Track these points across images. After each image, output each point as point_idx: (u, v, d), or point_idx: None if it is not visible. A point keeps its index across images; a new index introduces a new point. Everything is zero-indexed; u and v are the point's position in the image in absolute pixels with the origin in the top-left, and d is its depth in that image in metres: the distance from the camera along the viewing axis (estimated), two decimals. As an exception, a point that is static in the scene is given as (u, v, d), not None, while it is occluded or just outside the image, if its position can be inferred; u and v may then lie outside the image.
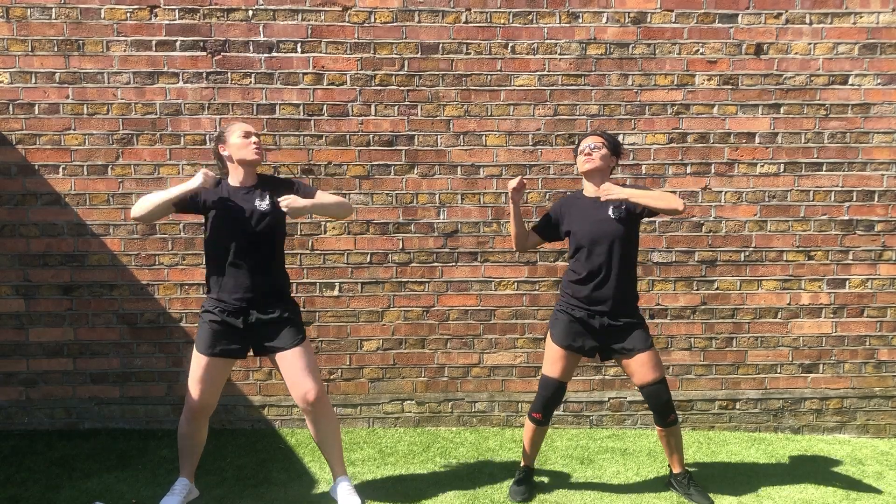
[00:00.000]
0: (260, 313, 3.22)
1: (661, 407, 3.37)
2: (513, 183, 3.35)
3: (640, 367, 3.35)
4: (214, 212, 3.22)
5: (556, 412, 4.43)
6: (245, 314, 3.22)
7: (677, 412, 4.35)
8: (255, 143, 3.22)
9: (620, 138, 4.28)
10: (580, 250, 3.40)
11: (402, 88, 4.26)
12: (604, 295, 3.34)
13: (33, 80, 4.15)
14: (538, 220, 3.57)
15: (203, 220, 3.28)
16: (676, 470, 3.54)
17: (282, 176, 3.42)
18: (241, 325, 3.21)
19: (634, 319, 3.38)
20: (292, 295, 3.46)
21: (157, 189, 4.19)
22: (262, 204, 3.21)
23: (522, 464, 3.60)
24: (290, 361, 3.23)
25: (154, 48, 4.17)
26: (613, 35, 4.27)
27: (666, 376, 3.42)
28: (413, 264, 4.36)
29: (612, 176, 4.17)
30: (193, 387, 3.21)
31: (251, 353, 3.33)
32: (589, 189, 3.43)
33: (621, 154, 3.49)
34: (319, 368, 3.30)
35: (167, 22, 4.16)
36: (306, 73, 4.23)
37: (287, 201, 3.13)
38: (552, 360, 3.43)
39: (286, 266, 3.40)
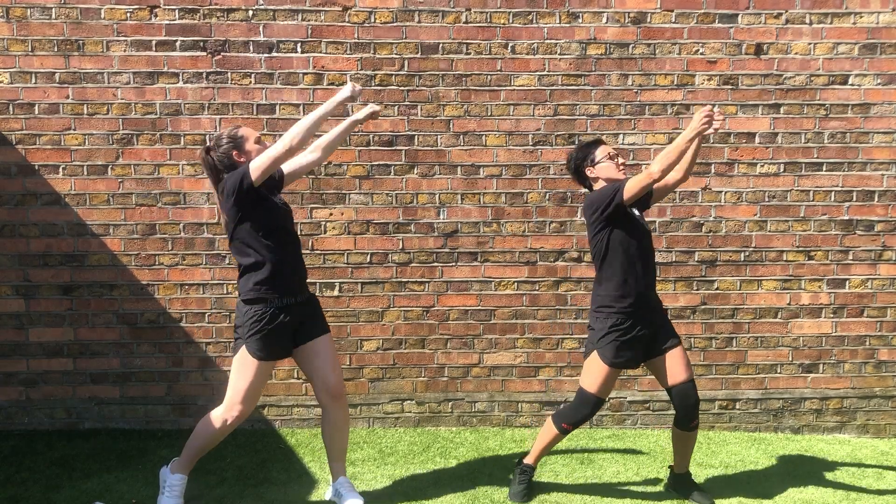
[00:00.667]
0: (299, 298, 3.25)
1: (693, 408, 3.29)
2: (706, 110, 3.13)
3: (672, 363, 3.29)
4: (267, 201, 3.19)
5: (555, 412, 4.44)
6: (294, 297, 3.21)
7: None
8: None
9: (620, 138, 4.29)
10: (629, 255, 3.32)
11: (402, 88, 4.26)
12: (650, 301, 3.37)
13: (33, 80, 4.14)
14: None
15: (240, 211, 3.12)
16: (680, 471, 3.53)
17: None
18: (290, 311, 3.19)
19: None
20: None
21: (157, 189, 4.21)
22: (281, 200, 3.31)
23: (527, 461, 3.54)
24: (324, 349, 3.28)
25: (154, 48, 4.17)
26: (613, 35, 4.27)
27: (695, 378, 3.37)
28: (413, 264, 4.36)
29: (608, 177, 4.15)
30: (251, 396, 3.21)
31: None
32: None
33: (588, 164, 3.37)
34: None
35: (167, 22, 4.15)
36: (306, 73, 4.23)
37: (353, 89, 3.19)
38: (605, 379, 3.32)
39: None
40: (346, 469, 3.44)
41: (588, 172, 3.38)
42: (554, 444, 3.52)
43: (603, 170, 3.34)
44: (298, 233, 4.28)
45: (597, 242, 3.29)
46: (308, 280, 4.27)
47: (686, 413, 3.30)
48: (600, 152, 3.35)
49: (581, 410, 3.37)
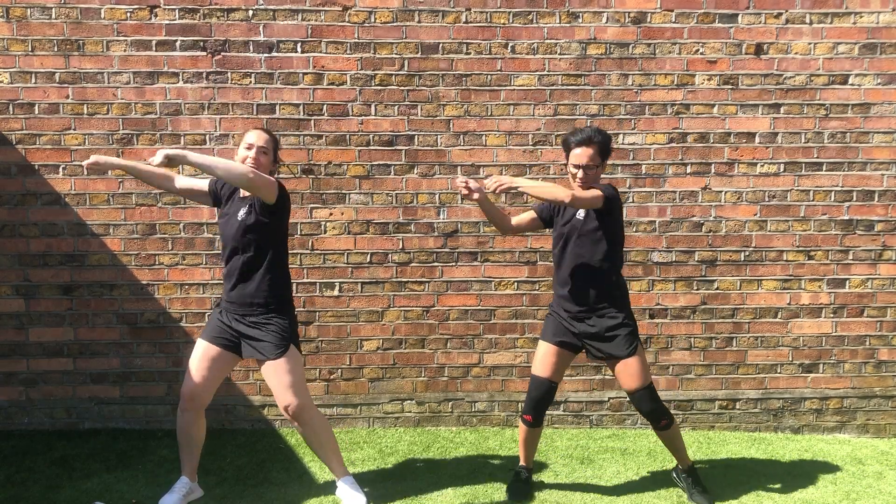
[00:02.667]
0: (240, 319, 3.25)
1: (648, 414, 3.40)
2: (461, 182, 3.27)
3: (620, 373, 3.39)
4: (222, 210, 3.35)
5: (556, 412, 4.44)
6: (229, 316, 3.28)
7: (677, 412, 4.37)
8: (251, 157, 3.21)
9: (620, 138, 4.29)
10: (555, 252, 3.48)
11: (402, 88, 4.26)
12: (569, 294, 3.38)
13: (33, 80, 4.14)
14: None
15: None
16: (681, 465, 3.55)
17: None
18: (228, 324, 3.27)
19: (616, 321, 3.34)
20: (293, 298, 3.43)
21: (157, 189, 4.21)
22: (249, 217, 3.22)
23: (520, 464, 3.64)
24: (268, 373, 3.24)
25: (154, 48, 4.17)
26: (613, 35, 4.27)
27: (651, 383, 3.38)
28: (413, 264, 4.36)
29: (611, 176, 4.19)
30: (187, 372, 3.28)
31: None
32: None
33: (611, 153, 3.44)
34: (299, 380, 3.25)
35: (167, 22, 4.15)
36: (306, 73, 4.23)
37: (170, 151, 2.97)
38: (541, 358, 3.47)
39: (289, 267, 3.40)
40: (345, 470, 3.42)
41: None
42: (529, 439, 3.60)
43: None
44: (299, 233, 4.31)
45: (619, 230, 3.42)
46: (308, 280, 4.31)
47: (647, 417, 3.43)
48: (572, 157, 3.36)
49: (529, 393, 3.49)
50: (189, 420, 3.29)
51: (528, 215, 3.56)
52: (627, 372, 3.35)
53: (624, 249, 3.59)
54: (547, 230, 3.62)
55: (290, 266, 3.44)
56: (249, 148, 3.23)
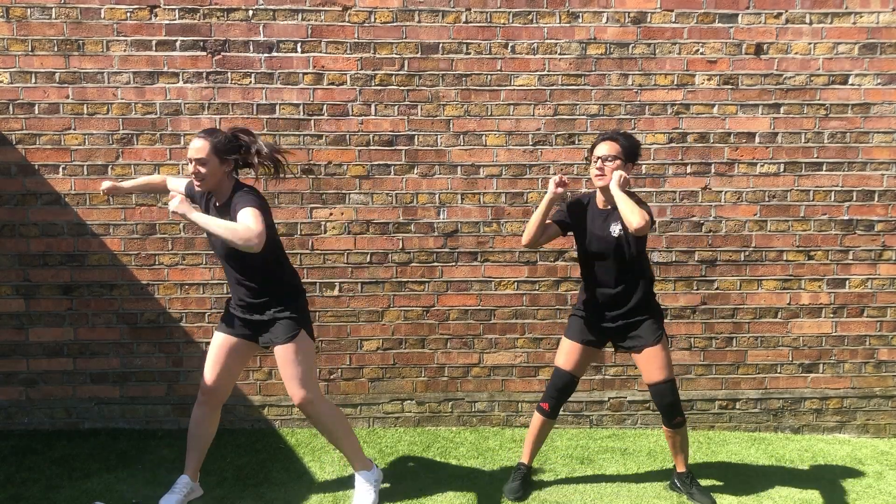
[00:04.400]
0: (250, 316, 3.27)
1: (666, 408, 3.40)
2: (556, 179, 3.29)
3: (646, 364, 3.39)
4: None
5: (556, 412, 4.44)
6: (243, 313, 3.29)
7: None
8: (192, 176, 3.11)
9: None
10: (586, 263, 3.47)
11: (402, 88, 4.26)
12: (612, 305, 3.42)
13: (33, 80, 4.14)
14: (556, 211, 3.52)
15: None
16: (680, 469, 3.55)
17: (247, 185, 3.19)
18: (240, 315, 3.30)
19: (646, 316, 3.41)
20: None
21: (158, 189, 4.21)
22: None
23: (521, 460, 3.65)
24: (280, 361, 3.25)
25: (154, 48, 4.17)
26: (613, 35, 4.27)
27: (675, 378, 3.44)
28: (413, 264, 4.36)
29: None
30: (205, 365, 3.31)
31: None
32: (600, 200, 3.42)
33: (639, 157, 3.43)
34: (307, 372, 3.24)
35: (167, 22, 4.15)
36: (306, 73, 4.23)
37: (174, 203, 2.89)
38: (565, 352, 3.51)
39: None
40: (365, 463, 3.42)
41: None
42: (541, 432, 3.64)
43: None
44: (299, 233, 4.31)
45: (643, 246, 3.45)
46: (308, 280, 4.31)
47: (664, 411, 3.43)
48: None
49: (551, 381, 3.54)
50: (203, 414, 3.31)
51: (553, 228, 3.49)
52: (655, 363, 3.38)
53: None
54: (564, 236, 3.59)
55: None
56: (189, 162, 3.10)
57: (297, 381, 3.21)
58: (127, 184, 3.46)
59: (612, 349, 3.61)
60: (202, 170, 3.07)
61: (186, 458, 3.36)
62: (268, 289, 3.21)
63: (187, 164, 3.20)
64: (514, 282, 4.39)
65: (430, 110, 4.28)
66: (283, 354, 3.20)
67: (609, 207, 3.36)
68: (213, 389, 3.27)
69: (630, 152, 3.34)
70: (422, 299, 4.38)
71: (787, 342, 4.45)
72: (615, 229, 3.33)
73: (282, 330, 3.20)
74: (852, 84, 4.32)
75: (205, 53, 4.19)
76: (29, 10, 4.10)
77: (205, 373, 3.29)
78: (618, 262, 3.36)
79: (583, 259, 3.50)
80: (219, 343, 3.29)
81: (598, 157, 3.30)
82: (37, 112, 4.16)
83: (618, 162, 3.28)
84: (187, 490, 3.32)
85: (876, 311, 4.44)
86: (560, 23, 4.25)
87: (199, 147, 3.06)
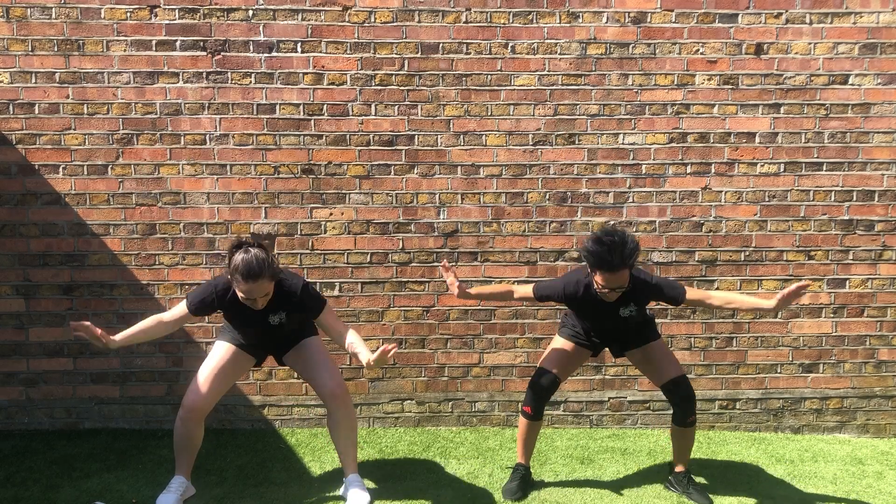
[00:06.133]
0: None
1: (688, 404, 3.39)
2: (454, 290, 3.39)
3: (659, 360, 3.41)
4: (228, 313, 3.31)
5: (556, 412, 4.44)
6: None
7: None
8: (255, 305, 3.13)
9: (620, 138, 4.29)
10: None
11: (402, 88, 4.26)
12: (607, 337, 3.52)
13: (33, 80, 4.14)
14: (546, 284, 3.48)
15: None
16: (679, 469, 3.55)
17: (287, 282, 3.26)
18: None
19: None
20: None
21: (157, 189, 4.21)
22: (275, 318, 3.26)
23: (518, 461, 3.65)
24: (310, 353, 3.36)
25: (154, 48, 4.17)
26: (613, 35, 4.27)
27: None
28: (413, 264, 4.36)
29: (612, 176, 4.19)
30: (195, 381, 3.31)
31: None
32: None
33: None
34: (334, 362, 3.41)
35: (167, 22, 4.15)
36: (306, 73, 4.23)
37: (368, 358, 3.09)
38: (555, 351, 3.53)
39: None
40: (355, 467, 3.45)
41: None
42: (529, 434, 3.64)
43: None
44: (299, 233, 4.30)
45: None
46: (308, 280, 4.29)
47: (683, 406, 3.42)
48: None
49: (531, 383, 3.56)
50: (190, 429, 3.31)
51: (528, 293, 3.43)
52: (669, 358, 3.43)
53: None
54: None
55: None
56: (247, 300, 3.10)
57: (335, 370, 3.35)
58: (126, 334, 3.17)
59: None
60: (266, 298, 3.13)
61: (177, 462, 3.37)
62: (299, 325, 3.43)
63: (245, 300, 3.11)
64: (515, 282, 4.39)
65: (430, 110, 4.28)
66: (317, 343, 3.35)
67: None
68: (202, 407, 3.27)
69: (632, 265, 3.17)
70: (422, 299, 4.38)
71: (788, 342, 4.45)
72: (625, 311, 3.32)
73: (308, 328, 3.40)
74: (852, 84, 4.32)
75: (205, 53, 4.19)
76: (29, 9, 4.10)
77: (201, 386, 3.25)
78: (624, 333, 3.47)
79: (586, 320, 3.51)
80: (228, 357, 3.32)
81: (614, 289, 3.14)
82: (37, 112, 4.16)
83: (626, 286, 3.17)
84: (183, 489, 3.33)
85: (876, 311, 4.44)
86: (560, 23, 4.25)
87: (266, 288, 3.08)
